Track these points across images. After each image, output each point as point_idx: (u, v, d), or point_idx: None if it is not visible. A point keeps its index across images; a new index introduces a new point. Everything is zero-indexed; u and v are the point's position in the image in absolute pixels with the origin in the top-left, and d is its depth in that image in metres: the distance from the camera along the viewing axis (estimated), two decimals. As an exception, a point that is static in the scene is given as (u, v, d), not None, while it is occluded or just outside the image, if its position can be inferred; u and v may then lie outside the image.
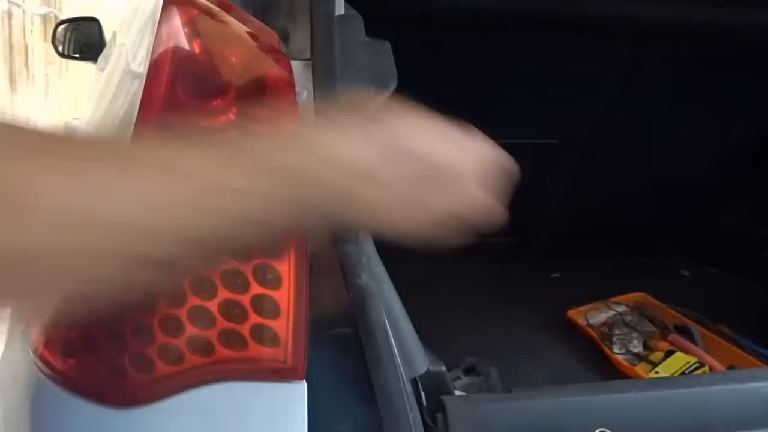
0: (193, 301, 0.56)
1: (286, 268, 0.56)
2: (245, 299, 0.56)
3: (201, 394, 0.57)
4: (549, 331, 1.38)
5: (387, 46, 0.78)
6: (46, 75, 6.43)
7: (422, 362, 0.68)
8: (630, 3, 1.25)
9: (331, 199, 0.43)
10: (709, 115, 1.48)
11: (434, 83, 1.30)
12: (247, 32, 0.59)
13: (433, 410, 0.63)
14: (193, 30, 0.56)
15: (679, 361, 1.25)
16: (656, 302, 1.44)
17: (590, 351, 1.33)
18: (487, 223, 0.49)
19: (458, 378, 1.08)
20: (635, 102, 1.44)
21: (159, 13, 0.56)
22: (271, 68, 0.57)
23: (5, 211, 0.31)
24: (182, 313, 0.56)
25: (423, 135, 0.49)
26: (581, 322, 1.38)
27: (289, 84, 0.58)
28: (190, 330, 0.56)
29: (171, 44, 0.55)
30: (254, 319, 0.56)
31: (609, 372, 1.27)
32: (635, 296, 1.46)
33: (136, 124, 0.54)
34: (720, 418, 0.64)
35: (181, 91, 0.55)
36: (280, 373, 0.58)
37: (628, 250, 1.60)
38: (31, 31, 6.32)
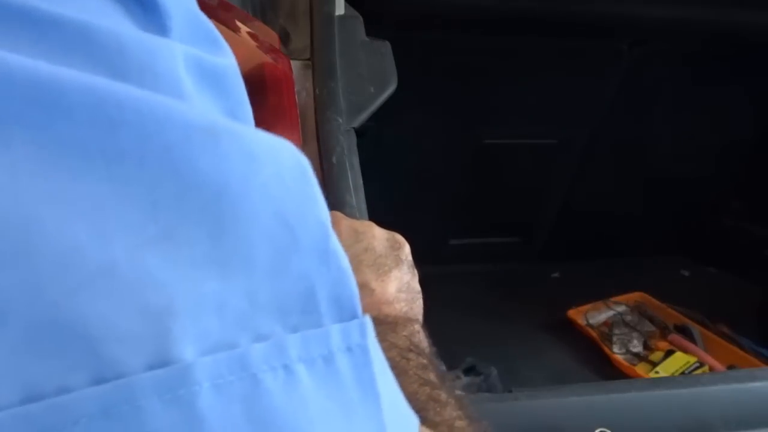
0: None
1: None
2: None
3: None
4: (549, 331, 1.38)
5: (387, 46, 0.78)
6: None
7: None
8: (630, 3, 1.25)
9: None
10: (709, 115, 1.48)
11: (434, 83, 1.31)
12: (247, 32, 0.59)
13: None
14: (193, 30, 0.56)
15: (679, 360, 1.26)
16: (656, 302, 1.44)
17: (590, 351, 1.33)
18: None
19: (458, 378, 1.09)
20: (635, 102, 1.44)
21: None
22: (271, 68, 0.57)
23: None
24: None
25: None
26: (581, 322, 1.38)
27: (289, 84, 0.58)
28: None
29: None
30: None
31: (609, 372, 1.27)
32: (635, 296, 1.46)
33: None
34: (720, 418, 0.64)
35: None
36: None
37: (628, 250, 1.60)
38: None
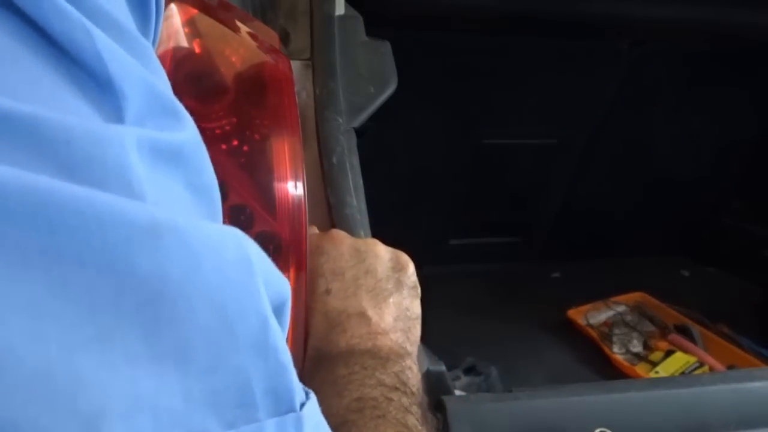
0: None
1: (285, 271, 0.56)
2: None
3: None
4: (549, 331, 1.38)
5: (387, 46, 0.78)
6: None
7: (422, 362, 0.68)
8: (630, 3, 1.25)
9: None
10: (709, 115, 1.48)
11: (434, 83, 1.31)
12: (247, 32, 0.59)
13: (433, 410, 0.62)
14: (193, 30, 0.56)
15: (679, 360, 1.26)
16: (656, 302, 1.44)
17: (590, 351, 1.33)
18: None
19: (458, 378, 1.09)
20: (635, 102, 1.44)
21: (159, 13, 0.56)
22: (271, 68, 0.57)
23: None
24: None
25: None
26: (581, 322, 1.38)
27: (289, 84, 0.58)
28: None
29: (171, 44, 0.55)
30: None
31: (609, 372, 1.27)
32: (635, 296, 1.46)
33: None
34: (720, 418, 0.64)
35: (181, 92, 0.55)
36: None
37: (628, 250, 1.60)
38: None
